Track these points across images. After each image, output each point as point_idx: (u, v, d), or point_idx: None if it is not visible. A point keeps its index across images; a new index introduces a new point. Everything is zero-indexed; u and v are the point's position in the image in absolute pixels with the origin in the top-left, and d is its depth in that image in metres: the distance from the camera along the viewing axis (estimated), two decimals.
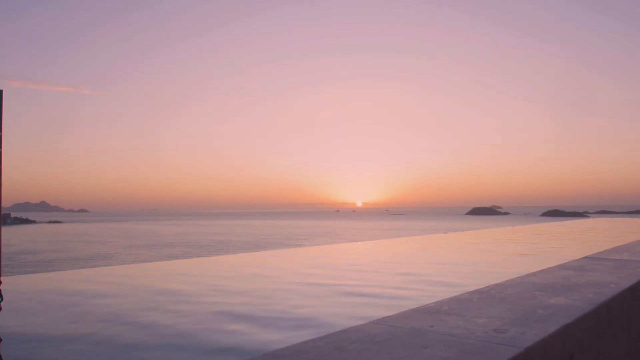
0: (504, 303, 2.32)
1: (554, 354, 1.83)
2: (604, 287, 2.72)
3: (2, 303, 2.33)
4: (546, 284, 2.85)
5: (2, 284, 2.27)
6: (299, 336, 2.84)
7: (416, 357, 1.53)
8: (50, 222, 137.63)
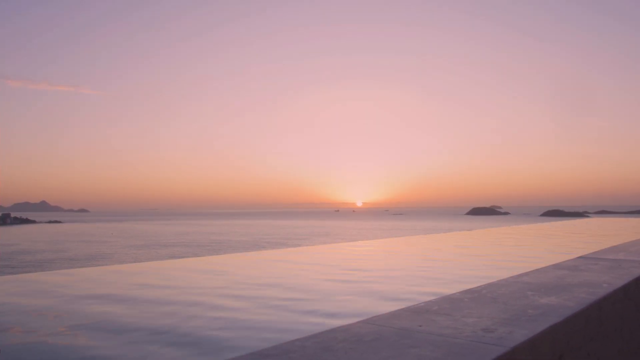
0: (495, 303, 2.32)
1: (542, 353, 1.83)
2: (597, 287, 2.71)
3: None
4: (539, 284, 2.85)
5: None
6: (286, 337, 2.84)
7: (403, 357, 1.53)
8: (50, 222, 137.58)
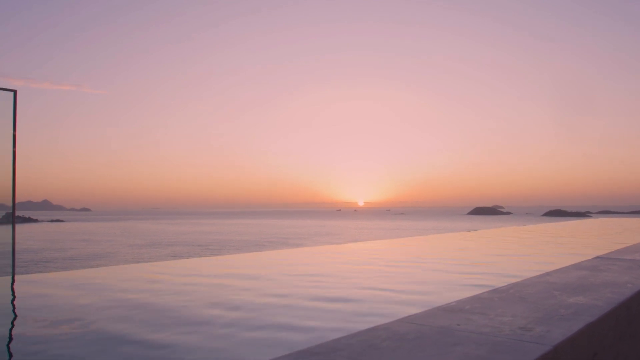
0: (525, 302, 2.36)
1: (580, 352, 1.86)
2: (622, 287, 2.75)
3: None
4: (563, 284, 2.89)
5: None
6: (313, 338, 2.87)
7: (449, 355, 1.57)
8: (52, 220, 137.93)
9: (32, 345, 2.85)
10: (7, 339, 2.97)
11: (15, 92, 5.14)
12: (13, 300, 4.29)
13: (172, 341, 2.85)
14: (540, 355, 1.57)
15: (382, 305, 3.78)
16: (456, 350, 1.61)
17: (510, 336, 1.77)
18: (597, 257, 4.15)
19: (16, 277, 5.36)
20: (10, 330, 3.21)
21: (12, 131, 5.19)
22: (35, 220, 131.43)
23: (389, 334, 1.80)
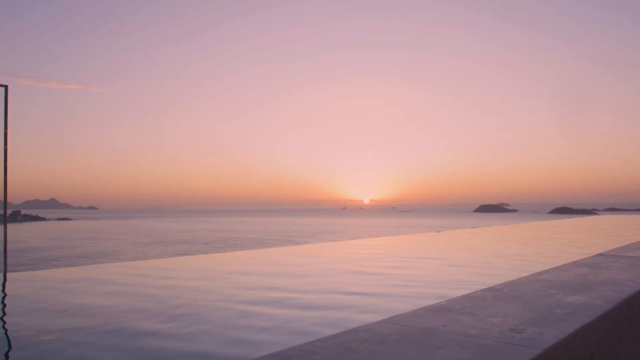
0: (519, 302, 2.24)
1: (574, 354, 1.75)
2: (623, 285, 2.62)
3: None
4: (562, 282, 2.76)
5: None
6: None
7: (430, 359, 1.46)
8: (59, 219, 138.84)
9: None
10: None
11: (6, 87, 5.05)
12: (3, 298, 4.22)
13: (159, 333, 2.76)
14: None
15: (373, 304, 3.68)
16: (438, 354, 1.49)
17: (498, 339, 1.65)
18: (599, 255, 4.02)
19: (7, 274, 5.30)
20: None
21: (3, 128, 5.10)
22: (43, 219, 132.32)
23: (370, 335, 1.69)
